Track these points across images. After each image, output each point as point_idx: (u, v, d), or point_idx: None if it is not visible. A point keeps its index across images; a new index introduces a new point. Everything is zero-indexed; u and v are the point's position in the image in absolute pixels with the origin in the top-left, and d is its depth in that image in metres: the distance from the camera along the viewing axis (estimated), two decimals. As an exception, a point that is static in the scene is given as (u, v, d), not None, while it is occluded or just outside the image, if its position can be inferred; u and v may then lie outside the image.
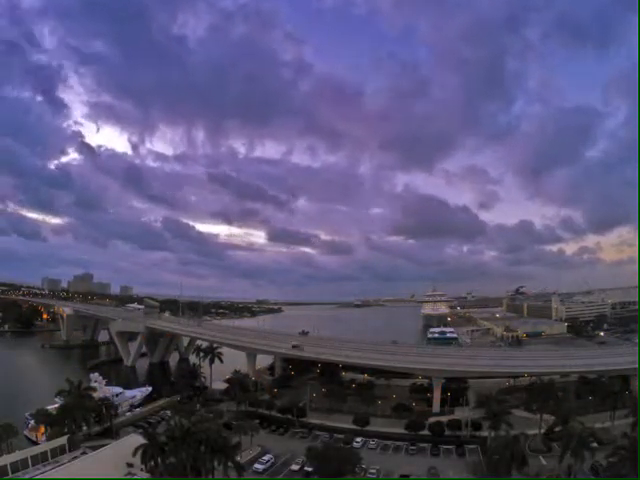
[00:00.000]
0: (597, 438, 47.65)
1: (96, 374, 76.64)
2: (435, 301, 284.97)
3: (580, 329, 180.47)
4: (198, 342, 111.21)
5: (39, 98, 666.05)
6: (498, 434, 52.18)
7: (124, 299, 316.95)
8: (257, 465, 51.83)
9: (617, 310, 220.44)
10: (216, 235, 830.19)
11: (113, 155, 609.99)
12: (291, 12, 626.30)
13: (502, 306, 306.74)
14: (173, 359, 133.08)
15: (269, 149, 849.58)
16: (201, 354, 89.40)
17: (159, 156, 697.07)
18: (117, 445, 49.99)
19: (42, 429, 58.78)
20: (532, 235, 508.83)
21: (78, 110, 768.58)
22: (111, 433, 62.05)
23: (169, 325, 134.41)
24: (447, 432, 62.60)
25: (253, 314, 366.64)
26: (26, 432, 60.44)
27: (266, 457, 54.00)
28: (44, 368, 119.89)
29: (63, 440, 52.32)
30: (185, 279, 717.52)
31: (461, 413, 68.28)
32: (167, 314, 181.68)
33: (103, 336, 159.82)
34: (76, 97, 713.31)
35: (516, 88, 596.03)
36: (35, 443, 56.95)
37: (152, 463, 41.78)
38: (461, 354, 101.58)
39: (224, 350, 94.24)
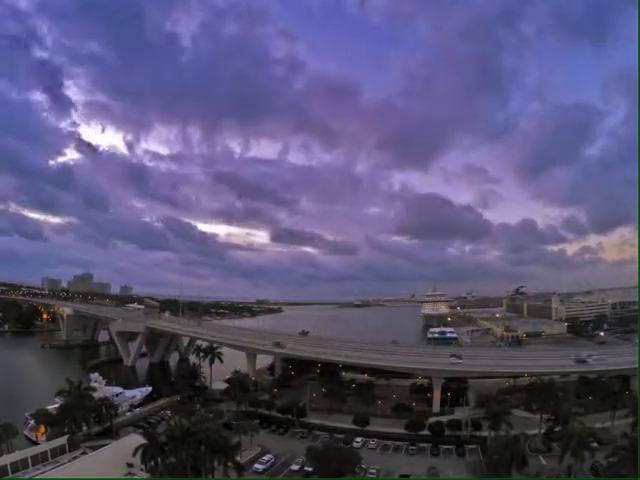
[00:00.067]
0: (597, 438, 47.69)
1: (96, 374, 76.64)
2: (435, 301, 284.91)
3: (580, 329, 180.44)
4: (198, 342, 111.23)
5: (36, 97, 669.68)
6: (498, 434, 52.22)
7: (124, 299, 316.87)
8: (257, 465, 51.83)
9: (617, 310, 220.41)
10: (217, 235, 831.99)
11: (112, 155, 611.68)
12: (283, 9, 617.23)
13: (502, 306, 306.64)
14: (173, 359, 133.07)
15: (265, 148, 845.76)
16: (201, 354, 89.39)
17: (156, 156, 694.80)
18: (117, 445, 50.00)
19: (42, 429, 58.78)
20: (534, 235, 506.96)
21: (74, 110, 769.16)
22: (111, 433, 62.05)
23: (169, 325, 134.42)
24: (447, 432, 62.61)
25: (253, 314, 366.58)
26: (26, 432, 60.44)
27: (266, 457, 54.01)
28: (44, 368, 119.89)
29: (63, 440, 52.33)
30: (186, 279, 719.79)
31: (461, 413, 68.33)
32: (167, 314, 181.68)
33: (103, 336, 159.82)
34: (72, 97, 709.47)
35: (513, 85, 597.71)
36: (35, 443, 56.96)
37: (152, 463, 41.80)
38: (461, 354, 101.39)
39: (224, 350, 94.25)
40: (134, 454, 42.05)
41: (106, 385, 76.18)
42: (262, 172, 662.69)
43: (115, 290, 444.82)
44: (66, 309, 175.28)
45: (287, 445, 59.98)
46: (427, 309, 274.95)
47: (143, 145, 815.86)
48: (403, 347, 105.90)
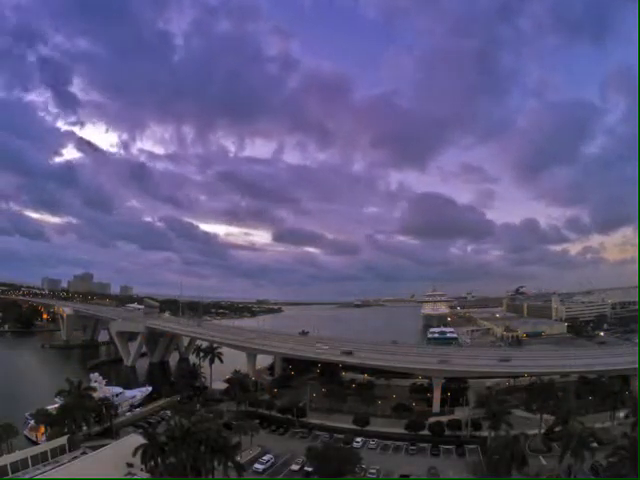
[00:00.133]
0: (597, 438, 47.71)
1: (96, 374, 76.68)
2: (435, 301, 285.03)
3: (580, 329, 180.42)
4: (198, 342, 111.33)
5: (34, 97, 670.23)
6: (498, 434, 52.23)
7: (124, 299, 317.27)
8: (257, 465, 51.81)
9: (617, 310, 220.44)
10: (218, 235, 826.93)
11: (112, 154, 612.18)
12: (275, 6, 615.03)
13: (502, 306, 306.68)
14: (173, 359, 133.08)
15: (260, 147, 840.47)
16: (201, 354, 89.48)
17: (153, 155, 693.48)
18: (117, 445, 50.01)
19: (42, 429, 58.79)
20: (537, 234, 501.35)
21: (71, 109, 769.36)
22: (111, 433, 62.06)
23: (169, 325, 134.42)
24: (447, 432, 62.59)
25: (253, 314, 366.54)
26: (26, 432, 60.44)
27: (266, 457, 53.99)
28: (44, 368, 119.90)
29: (63, 440, 52.34)
30: (186, 279, 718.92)
31: (461, 413, 68.32)
32: (167, 314, 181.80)
33: (103, 336, 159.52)
34: (69, 96, 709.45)
35: (511, 83, 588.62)
36: (35, 443, 56.97)
37: (152, 463, 41.80)
38: (461, 354, 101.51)
39: (224, 350, 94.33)
40: (134, 454, 42.04)
41: (106, 385, 76.19)
42: (262, 172, 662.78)
43: (115, 290, 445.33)
44: (66, 309, 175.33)
45: (287, 445, 59.96)
46: (427, 309, 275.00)
47: (139, 144, 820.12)
48: (403, 347, 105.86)
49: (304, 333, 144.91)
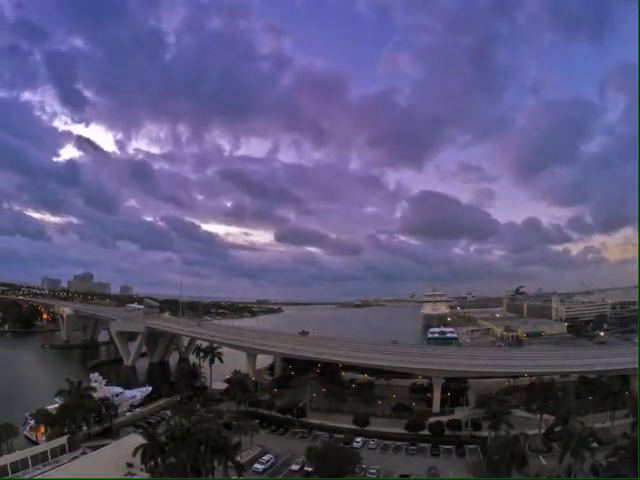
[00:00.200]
0: (597, 438, 47.73)
1: (96, 374, 76.62)
2: (435, 301, 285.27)
3: (580, 329, 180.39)
4: (198, 342, 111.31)
5: (33, 96, 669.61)
6: (498, 434, 52.21)
7: (124, 299, 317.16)
8: (257, 465, 51.83)
9: (617, 310, 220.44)
10: (220, 235, 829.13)
11: (111, 153, 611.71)
12: (266, 4, 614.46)
13: (502, 306, 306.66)
14: (173, 359, 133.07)
15: (255, 146, 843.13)
16: (201, 354, 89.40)
17: (152, 155, 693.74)
18: (117, 445, 50.03)
19: (42, 429, 58.78)
20: (539, 234, 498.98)
21: (68, 108, 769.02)
22: (111, 433, 62.06)
23: (169, 325, 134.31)
24: (447, 432, 62.60)
25: (253, 314, 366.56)
26: (26, 432, 60.45)
27: (266, 457, 54.00)
28: (44, 368, 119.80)
29: (63, 440, 52.35)
30: (186, 279, 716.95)
31: (461, 413, 68.34)
32: (167, 314, 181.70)
33: (103, 336, 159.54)
34: (65, 96, 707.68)
35: (508, 80, 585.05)
36: (35, 443, 56.98)
37: (152, 463, 41.79)
38: (461, 354, 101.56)
39: (224, 350, 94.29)
40: (134, 454, 42.03)
41: (106, 385, 76.14)
42: (262, 171, 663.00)
43: (115, 290, 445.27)
44: (66, 309, 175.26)
45: (287, 445, 59.98)
46: (427, 309, 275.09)
47: (135, 144, 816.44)
48: (403, 347, 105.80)
49: (304, 333, 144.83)
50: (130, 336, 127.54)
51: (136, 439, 46.27)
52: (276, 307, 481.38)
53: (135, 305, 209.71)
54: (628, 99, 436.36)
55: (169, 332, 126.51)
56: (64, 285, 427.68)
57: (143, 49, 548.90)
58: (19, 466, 46.35)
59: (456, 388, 79.31)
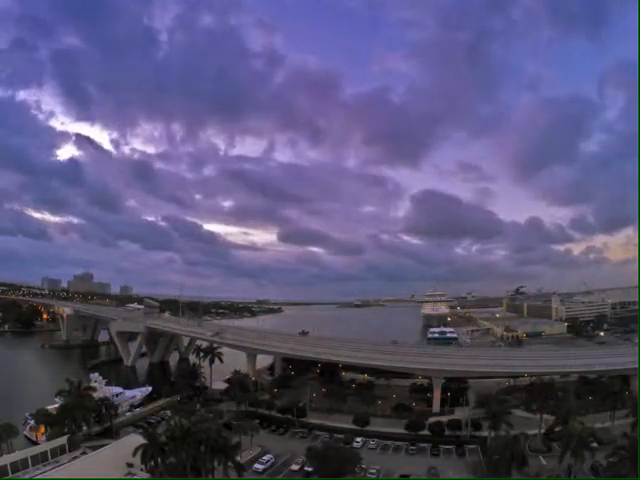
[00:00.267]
0: (597, 438, 47.73)
1: (96, 374, 76.72)
2: (435, 301, 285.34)
3: (580, 329, 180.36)
4: (198, 342, 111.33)
5: (32, 96, 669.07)
6: (498, 434, 52.23)
7: (124, 299, 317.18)
8: (257, 465, 51.83)
9: (617, 310, 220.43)
10: (221, 235, 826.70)
11: (111, 153, 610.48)
12: (259, 1, 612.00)
13: (502, 306, 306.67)
14: (173, 359, 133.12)
15: (251, 145, 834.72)
16: (201, 354, 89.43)
17: (145, 154, 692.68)
18: (117, 445, 50.06)
19: (42, 429, 58.79)
20: (541, 234, 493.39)
21: (67, 108, 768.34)
22: (111, 433, 62.07)
23: (169, 325, 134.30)
24: (447, 432, 62.61)
25: (253, 314, 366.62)
26: (26, 432, 60.47)
27: (266, 457, 54.01)
28: (44, 368, 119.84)
29: (63, 440, 52.37)
30: (188, 279, 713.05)
31: (461, 413, 68.36)
32: (167, 314, 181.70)
33: (103, 336, 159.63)
34: (62, 96, 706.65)
35: (504, 77, 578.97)
36: (35, 443, 56.99)
37: (152, 463, 41.80)
38: (461, 354, 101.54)
39: (224, 350, 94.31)
40: (134, 454, 42.04)
41: (106, 385, 76.19)
42: (261, 171, 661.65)
43: (115, 290, 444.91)
44: (66, 309, 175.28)
45: (287, 445, 59.99)
46: (427, 309, 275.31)
47: (130, 143, 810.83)
48: (403, 347, 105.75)
49: (304, 333, 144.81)
50: (130, 336, 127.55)
51: (136, 439, 46.28)
52: (276, 307, 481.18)
53: (135, 305, 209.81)
54: (627, 96, 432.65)
55: (169, 332, 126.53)
56: (64, 285, 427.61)
57: (136, 47, 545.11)
58: (19, 466, 46.36)
59: (456, 388, 79.31)
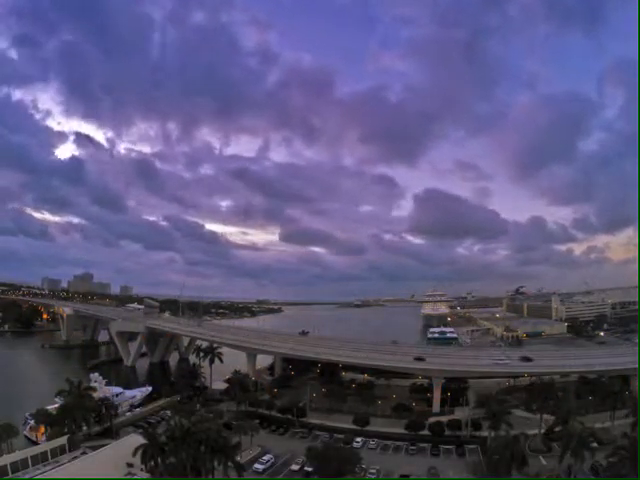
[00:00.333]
0: (597, 438, 47.73)
1: (96, 374, 76.73)
2: (435, 301, 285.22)
3: (580, 329, 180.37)
4: (198, 342, 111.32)
5: (32, 96, 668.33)
6: (498, 434, 52.24)
7: (124, 299, 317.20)
8: (257, 465, 51.84)
9: (617, 310, 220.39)
10: (223, 234, 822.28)
11: (110, 152, 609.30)
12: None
13: (502, 306, 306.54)
14: (173, 359, 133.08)
15: (246, 144, 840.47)
16: (201, 354, 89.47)
17: (142, 154, 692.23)
18: (117, 445, 50.09)
19: (42, 429, 58.81)
20: (543, 234, 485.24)
21: (65, 107, 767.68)
22: (111, 433, 62.07)
23: (169, 325, 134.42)
24: (447, 432, 62.61)
25: (253, 314, 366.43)
26: (26, 432, 60.49)
27: (266, 457, 54.02)
28: (44, 368, 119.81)
29: (63, 440, 52.39)
30: (189, 279, 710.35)
31: (461, 413, 68.35)
32: (167, 314, 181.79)
33: (103, 336, 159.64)
34: (59, 95, 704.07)
35: (501, 74, 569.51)
36: (35, 443, 57.02)
37: (152, 463, 41.82)
38: (461, 354, 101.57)
39: (224, 350, 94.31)
40: (134, 454, 42.07)
41: (106, 385, 76.20)
42: (260, 171, 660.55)
43: (115, 290, 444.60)
44: (66, 309, 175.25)
45: (287, 445, 59.99)
46: (427, 309, 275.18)
47: (126, 143, 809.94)
48: (403, 347, 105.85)
49: (304, 333, 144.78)
50: (130, 336, 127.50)
51: (136, 439, 46.31)
52: (276, 307, 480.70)
53: (135, 305, 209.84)
54: (627, 95, 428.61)
55: (169, 332, 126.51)
56: (64, 285, 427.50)
57: (131, 46, 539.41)
58: (19, 466, 46.41)
59: (456, 388, 79.28)
